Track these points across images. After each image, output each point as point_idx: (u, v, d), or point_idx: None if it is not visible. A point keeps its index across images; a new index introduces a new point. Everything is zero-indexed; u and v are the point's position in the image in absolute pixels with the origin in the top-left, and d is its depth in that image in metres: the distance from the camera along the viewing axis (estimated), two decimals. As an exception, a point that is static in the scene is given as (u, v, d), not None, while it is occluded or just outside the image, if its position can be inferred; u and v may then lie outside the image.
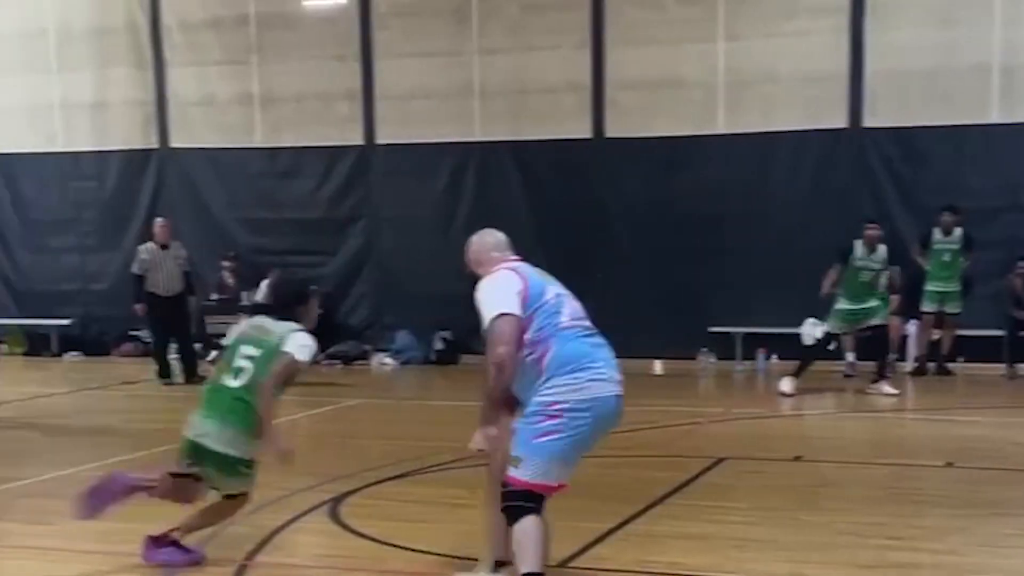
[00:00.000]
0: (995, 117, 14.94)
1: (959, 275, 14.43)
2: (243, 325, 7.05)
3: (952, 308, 14.46)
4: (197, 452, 6.59)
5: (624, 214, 16.28)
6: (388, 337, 17.29)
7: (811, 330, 14.59)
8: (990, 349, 14.41)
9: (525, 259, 6.13)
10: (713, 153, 15.87)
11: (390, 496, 8.41)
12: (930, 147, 15.15)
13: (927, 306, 14.40)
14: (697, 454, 9.71)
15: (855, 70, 15.41)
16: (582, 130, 16.50)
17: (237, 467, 6.60)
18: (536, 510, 5.59)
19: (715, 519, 7.58)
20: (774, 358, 15.11)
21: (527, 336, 5.64)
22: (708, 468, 9.18)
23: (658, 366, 15.72)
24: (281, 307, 6.91)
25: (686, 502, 8.17)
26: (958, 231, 14.31)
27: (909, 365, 14.70)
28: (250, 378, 6.56)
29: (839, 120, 15.52)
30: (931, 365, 14.62)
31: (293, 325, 6.72)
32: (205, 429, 6.56)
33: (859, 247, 13.35)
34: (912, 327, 14.76)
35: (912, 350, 14.79)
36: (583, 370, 5.61)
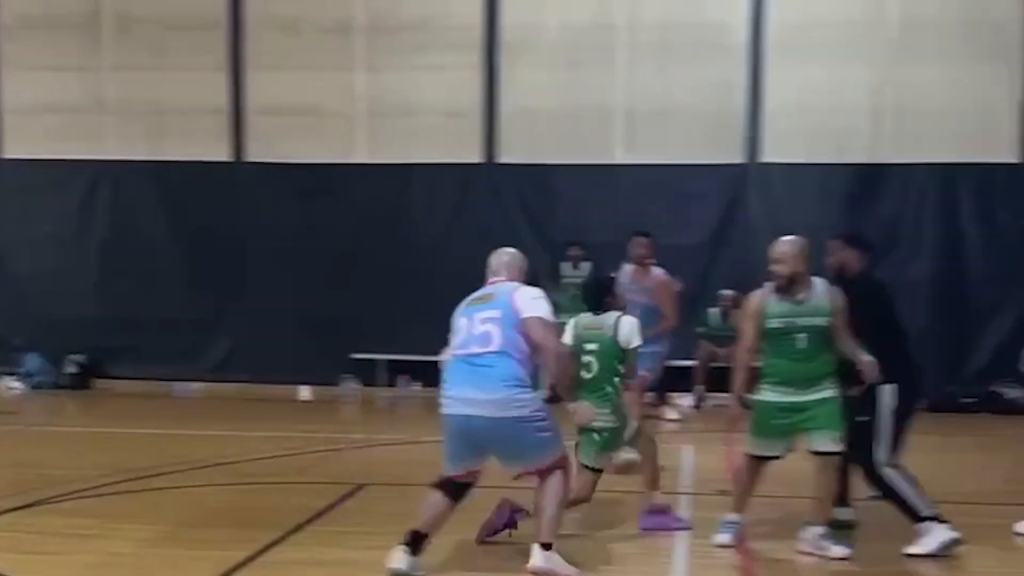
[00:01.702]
0: (619, 158, 15.81)
1: None
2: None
3: None
4: None
5: (266, 239, 16.20)
6: (16, 360, 16.48)
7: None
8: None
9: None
10: (355, 182, 16.04)
11: (15, 527, 8.06)
12: (560, 184, 15.85)
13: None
14: (338, 480, 9.79)
15: (489, 107, 15.97)
16: (222, 153, 16.37)
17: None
18: (437, 486, 7.10)
19: (354, 545, 7.66)
20: (417, 385, 15.36)
21: None
22: (349, 495, 9.25)
23: (304, 392, 15.72)
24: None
25: (326, 529, 8.20)
26: (585, 265, 14.89)
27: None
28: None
29: (475, 155, 16.02)
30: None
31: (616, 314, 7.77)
32: None
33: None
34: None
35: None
36: (444, 391, 6.95)
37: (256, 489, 9.38)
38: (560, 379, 7.11)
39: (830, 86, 15.38)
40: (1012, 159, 15.22)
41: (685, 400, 14.63)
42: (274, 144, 16.28)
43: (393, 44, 16.08)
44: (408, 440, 12.28)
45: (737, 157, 15.61)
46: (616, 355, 7.68)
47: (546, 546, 6.82)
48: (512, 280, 7.21)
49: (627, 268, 11.22)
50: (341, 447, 11.78)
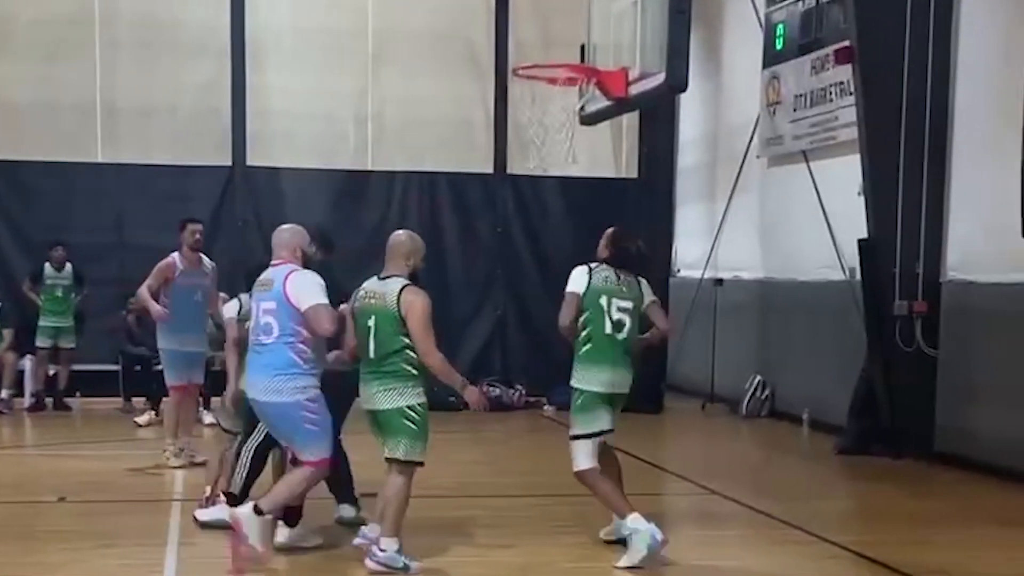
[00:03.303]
0: (101, 156, 15.34)
1: (72, 310, 14.55)
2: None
3: (67, 343, 14.52)
4: None
5: None
6: None
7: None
8: (106, 383, 14.60)
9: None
10: None
11: None
12: (39, 182, 15.16)
13: (42, 341, 14.35)
14: None
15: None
16: None
17: None
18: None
19: None
20: None
21: None
22: None
23: None
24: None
25: None
26: (69, 267, 14.43)
27: (27, 401, 14.45)
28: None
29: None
30: (49, 400, 14.51)
31: None
32: None
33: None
34: (28, 362, 14.54)
35: (29, 385, 14.55)
36: None
37: None
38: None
39: (314, 92, 15.67)
40: (488, 170, 16.11)
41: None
42: None
43: None
44: None
45: (226, 159, 15.55)
46: None
47: (259, 511, 7.07)
48: (291, 260, 7.34)
49: (176, 256, 10.86)
50: None
